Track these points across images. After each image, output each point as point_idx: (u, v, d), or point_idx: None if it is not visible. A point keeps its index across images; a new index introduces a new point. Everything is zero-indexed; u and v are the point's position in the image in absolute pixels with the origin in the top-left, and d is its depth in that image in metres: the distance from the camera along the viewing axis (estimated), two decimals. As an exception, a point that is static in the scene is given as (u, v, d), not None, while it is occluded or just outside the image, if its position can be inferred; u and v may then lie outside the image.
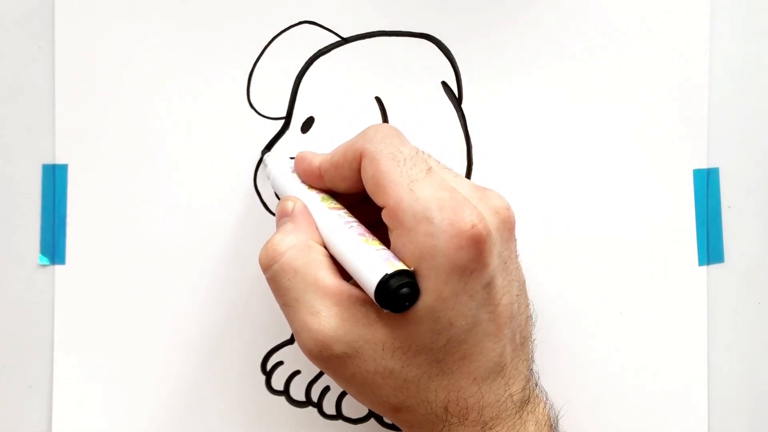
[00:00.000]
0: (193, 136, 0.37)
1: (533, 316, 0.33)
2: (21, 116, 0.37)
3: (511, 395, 0.30)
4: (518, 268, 0.32)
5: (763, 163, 0.40)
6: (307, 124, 0.38)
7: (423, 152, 0.31)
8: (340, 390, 0.37)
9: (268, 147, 0.37)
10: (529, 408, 0.31)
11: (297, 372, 0.37)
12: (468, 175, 0.38)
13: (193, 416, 0.37)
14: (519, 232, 0.38)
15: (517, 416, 0.31)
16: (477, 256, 0.28)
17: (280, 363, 0.37)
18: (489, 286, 0.29)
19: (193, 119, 0.37)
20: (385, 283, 0.27)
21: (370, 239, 0.30)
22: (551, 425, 0.33)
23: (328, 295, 0.29)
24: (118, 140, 0.37)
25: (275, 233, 0.31)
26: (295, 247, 0.30)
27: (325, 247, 0.31)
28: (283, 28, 0.38)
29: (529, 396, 0.31)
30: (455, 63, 0.38)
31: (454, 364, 0.29)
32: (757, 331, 0.40)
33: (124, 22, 0.37)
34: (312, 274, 0.30)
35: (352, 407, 0.37)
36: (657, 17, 0.39)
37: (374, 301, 0.28)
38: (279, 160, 0.36)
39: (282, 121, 0.38)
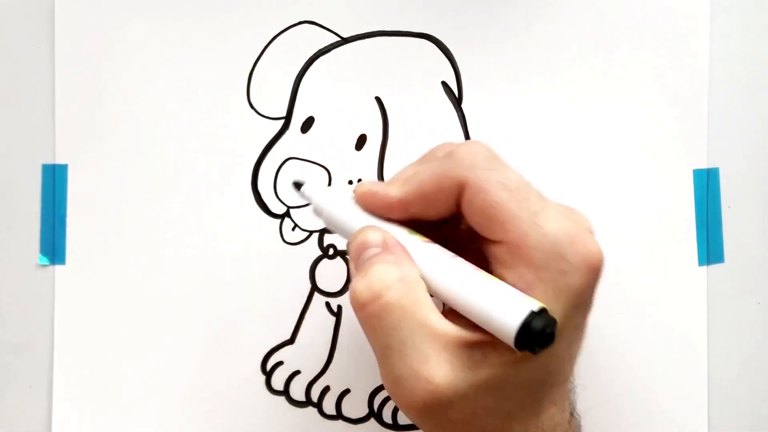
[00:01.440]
0: (193, 136, 0.37)
1: None
2: (21, 116, 0.37)
3: (566, 419, 0.29)
4: None
5: (763, 163, 0.40)
6: (307, 124, 0.38)
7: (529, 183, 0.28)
8: (340, 390, 0.37)
9: (297, 184, 0.32)
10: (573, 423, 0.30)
11: (297, 372, 0.37)
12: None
13: (194, 416, 0.37)
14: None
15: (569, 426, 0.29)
16: (594, 290, 0.27)
17: (280, 363, 0.37)
18: (587, 318, 0.28)
19: (193, 119, 0.37)
20: (529, 323, 0.24)
21: (488, 276, 0.26)
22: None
23: (438, 339, 0.26)
24: (118, 140, 0.37)
25: (374, 264, 0.27)
26: (400, 281, 0.26)
27: None
28: (283, 28, 0.38)
29: (573, 421, 0.30)
30: (455, 63, 0.38)
31: (544, 392, 0.28)
32: (757, 331, 0.40)
33: (124, 23, 0.37)
34: (421, 314, 0.26)
35: (352, 407, 0.37)
36: (657, 17, 0.39)
37: (510, 343, 0.25)
38: (332, 192, 0.32)
39: (282, 121, 0.38)
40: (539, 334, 0.24)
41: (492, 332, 0.25)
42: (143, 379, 0.37)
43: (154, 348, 0.37)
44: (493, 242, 0.27)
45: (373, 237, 0.28)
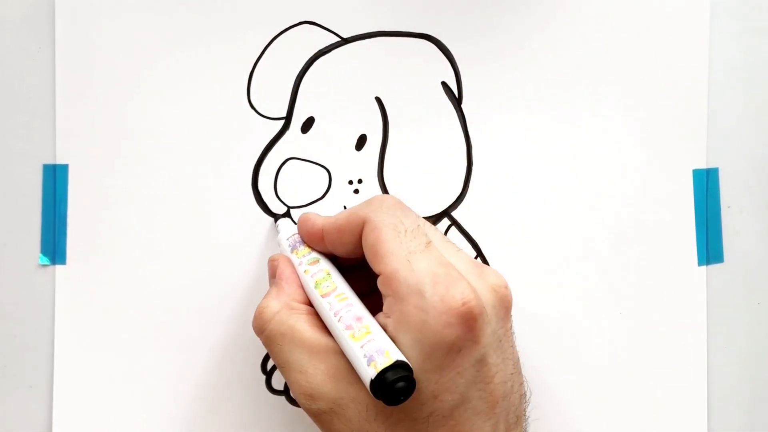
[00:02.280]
0: (193, 136, 0.37)
1: (527, 394, 0.32)
2: (21, 116, 0.37)
3: None
4: (513, 346, 0.31)
5: (763, 163, 0.40)
6: (307, 124, 0.38)
7: (426, 224, 0.32)
8: (340, 390, 0.37)
9: (285, 214, 0.37)
10: None
11: (297, 372, 0.37)
12: (468, 175, 0.38)
13: (194, 416, 0.37)
14: (519, 233, 0.38)
15: None
16: (467, 333, 0.28)
17: (280, 363, 0.37)
18: (480, 363, 0.29)
19: (194, 119, 0.37)
20: (379, 378, 0.27)
21: (360, 328, 0.29)
22: None
23: (314, 353, 0.30)
24: (118, 140, 0.37)
25: (263, 299, 0.33)
26: (279, 312, 0.31)
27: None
28: (283, 28, 0.38)
29: None
30: (455, 63, 0.38)
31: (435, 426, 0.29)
32: (757, 331, 0.40)
33: (124, 23, 0.37)
34: (297, 335, 0.31)
35: (352, 407, 0.37)
36: (657, 17, 0.39)
37: (369, 392, 0.28)
38: (289, 226, 0.36)
39: (282, 121, 0.38)
40: (389, 387, 0.27)
41: (352, 357, 0.29)
42: (143, 379, 0.37)
43: (154, 348, 0.37)
44: (378, 275, 0.30)
45: (270, 263, 0.34)
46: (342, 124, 0.38)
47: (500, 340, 0.30)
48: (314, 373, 0.30)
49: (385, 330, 0.29)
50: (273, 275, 0.34)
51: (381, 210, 0.31)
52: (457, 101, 0.38)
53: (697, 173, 0.39)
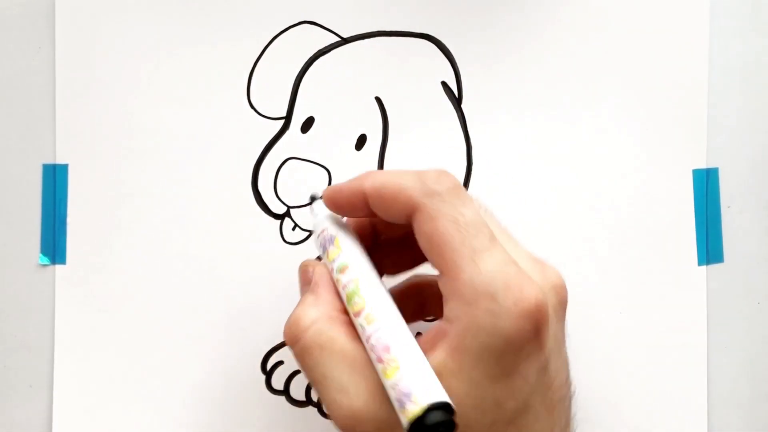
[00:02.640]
0: (193, 136, 0.37)
1: (573, 391, 0.31)
2: (21, 116, 0.37)
3: None
4: (566, 350, 0.30)
5: (763, 163, 0.40)
6: (307, 124, 0.38)
7: (485, 213, 0.29)
8: (340, 390, 0.37)
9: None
10: None
11: (297, 372, 0.37)
12: (468, 175, 0.38)
13: (194, 416, 0.37)
14: (519, 232, 0.38)
15: None
16: (536, 338, 0.26)
17: (280, 363, 0.37)
18: (544, 369, 0.27)
19: (193, 119, 0.37)
20: (415, 427, 0.25)
21: (389, 361, 0.26)
22: None
23: (357, 370, 0.27)
24: (118, 140, 0.37)
25: (297, 306, 0.30)
26: (317, 320, 0.28)
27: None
28: (283, 28, 0.38)
29: None
30: (455, 63, 0.38)
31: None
32: (757, 331, 0.40)
33: (124, 22, 0.37)
34: (338, 348, 0.28)
35: (352, 407, 0.37)
36: (657, 17, 0.39)
37: (408, 422, 0.25)
38: (322, 216, 0.32)
39: (282, 121, 0.38)
40: (429, 428, 0.24)
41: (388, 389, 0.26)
42: (143, 379, 0.37)
43: (154, 348, 0.37)
44: (439, 272, 0.28)
45: (304, 270, 0.31)
46: (342, 124, 0.38)
47: (560, 344, 0.29)
48: (357, 393, 0.27)
49: (445, 337, 0.27)
50: (307, 282, 0.31)
51: (438, 197, 0.28)
52: (457, 101, 0.38)
53: (697, 173, 0.39)
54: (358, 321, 0.28)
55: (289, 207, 0.38)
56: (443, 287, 0.27)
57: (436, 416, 0.24)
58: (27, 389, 0.37)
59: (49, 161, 0.37)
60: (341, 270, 0.30)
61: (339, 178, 0.38)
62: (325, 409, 0.29)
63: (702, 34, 0.39)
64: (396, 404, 0.25)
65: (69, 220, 0.37)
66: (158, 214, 0.37)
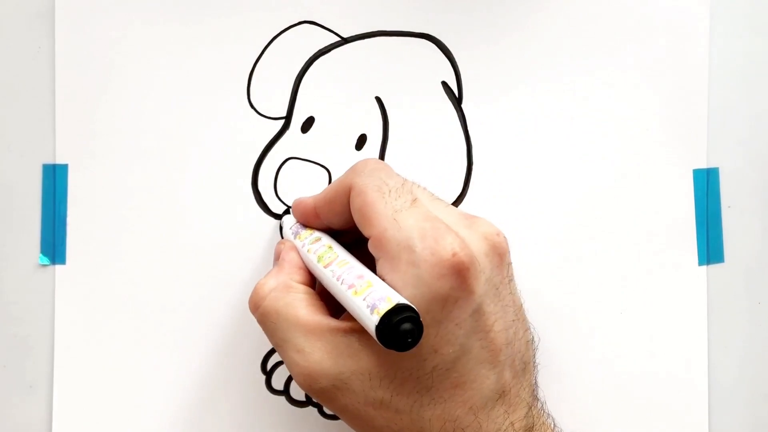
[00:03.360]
0: (193, 136, 0.37)
1: (534, 340, 0.32)
2: (21, 116, 0.37)
3: (512, 423, 0.30)
4: (513, 293, 0.31)
5: (763, 163, 0.40)
6: (307, 124, 0.38)
7: (412, 183, 0.31)
8: (340, 390, 0.37)
9: (285, 212, 0.37)
10: None
11: (297, 372, 0.37)
12: (468, 175, 0.38)
13: (194, 416, 0.37)
14: (520, 232, 0.38)
15: None
16: (460, 284, 0.28)
17: (280, 363, 0.37)
18: (477, 313, 0.29)
19: (193, 119, 0.37)
20: (384, 323, 0.26)
21: (361, 284, 0.29)
22: None
23: (310, 331, 0.30)
24: (118, 140, 0.37)
25: (263, 278, 0.32)
26: (275, 289, 0.31)
27: (312, 285, 0.32)
28: (283, 28, 0.38)
29: (533, 423, 0.31)
30: (455, 63, 0.38)
31: (445, 392, 0.29)
32: (757, 331, 0.40)
33: (124, 23, 0.37)
34: (292, 313, 0.30)
35: (352, 407, 0.37)
36: (657, 17, 0.39)
37: (378, 341, 0.27)
38: (291, 218, 0.36)
39: (282, 121, 0.38)
40: (396, 330, 0.26)
41: (356, 313, 0.28)
42: (143, 379, 0.37)
43: (155, 348, 0.37)
44: (369, 238, 0.30)
45: (276, 249, 0.35)
46: (342, 124, 0.38)
47: (497, 288, 0.30)
48: (311, 352, 0.29)
49: None
50: (277, 258, 0.34)
51: (364, 174, 0.31)
52: (457, 101, 0.38)
53: (697, 173, 0.39)
54: (330, 269, 0.31)
55: (288, 207, 0.38)
56: (372, 249, 0.30)
57: (404, 313, 0.26)
58: (27, 389, 0.37)
59: (49, 161, 0.37)
60: (314, 241, 0.33)
61: (339, 178, 0.38)
62: (290, 373, 0.31)
63: (702, 34, 0.39)
64: (366, 311, 0.27)
65: (69, 220, 0.37)
66: (158, 214, 0.37)
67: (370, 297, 0.28)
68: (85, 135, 0.37)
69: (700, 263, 0.39)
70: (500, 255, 0.30)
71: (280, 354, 0.31)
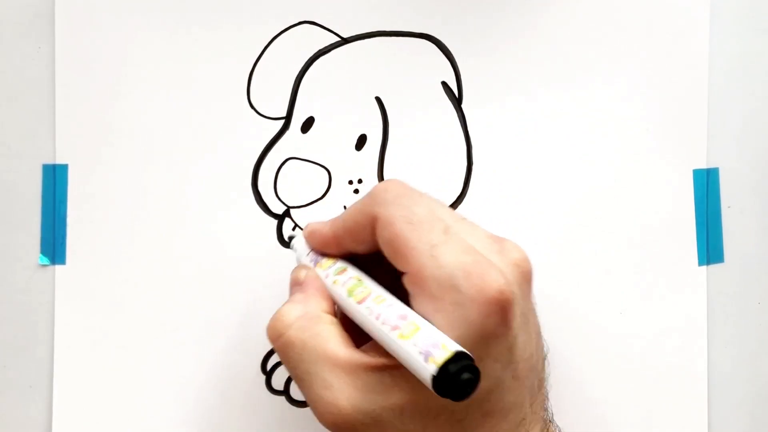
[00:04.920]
0: (193, 136, 0.37)
1: (546, 352, 0.32)
2: (21, 116, 0.37)
3: None
4: (535, 318, 0.30)
5: (763, 163, 0.40)
6: (307, 124, 0.38)
7: (437, 206, 0.30)
8: (340, 390, 0.37)
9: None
10: None
11: (297, 372, 0.37)
12: (468, 175, 0.38)
13: (194, 416, 0.37)
14: (520, 232, 0.38)
15: None
16: (503, 320, 0.27)
17: (280, 363, 0.37)
18: (512, 346, 0.28)
19: (194, 119, 0.37)
20: (442, 373, 0.25)
21: (407, 326, 0.27)
22: None
23: (339, 366, 0.28)
24: (118, 140, 0.37)
25: (284, 304, 0.31)
26: (301, 318, 0.29)
27: (338, 315, 0.31)
28: (283, 28, 0.38)
29: None
30: (455, 63, 0.38)
31: (475, 422, 0.28)
32: (757, 331, 0.40)
33: (124, 22, 0.37)
34: (321, 346, 0.28)
35: (352, 407, 0.37)
36: (657, 17, 0.39)
37: (434, 390, 0.25)
38: (303, 243, 0.34)
39: (282, 121, 0.38)
40: (457, 380, 0.25)
41: (404, 358, 0.26)
42: (143, 379, 0.37)
43: (154, 348, 0.37)
44: (403, 273, 0.28)
45: (300, 275, 0.32)
46: (342, 124, 0.38)
47: (526, 317, 0.29)
48: (341, 388, 0.28)
49: None
50: (297, 284, 0.32)
51: (387, 203, 0.29)
52: (457, 101, 0.38)
53: (697, 173, 0.39)
54: (365, 305, 0.28)
55: (288, 207, 0.38)
56: (409, 286, 0.28)
57: (463, 362, 0.25)
58: (27, 389, 0.37)
59: (49, 161, 0.37)
60: (339, 272, 0.31)
61: (339, 178, 0.38)
62: (311, 408, 0.29)
63: (702, 34, 0.39)
64: (419, 358, 0.25)
65: (69, 220, 0.37)
66: (158, 214, 0.37)
67: (422, 343, 0.26)
68: (85, 135, 0.37)
69: (700, 263, 0.39)
70: (529, 282, 0.30)
71: (300, 386, 0.29)
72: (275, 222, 0.37)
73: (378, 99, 0.38)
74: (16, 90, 0.37)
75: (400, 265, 0.29)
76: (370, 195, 0.30)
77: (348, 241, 0.31)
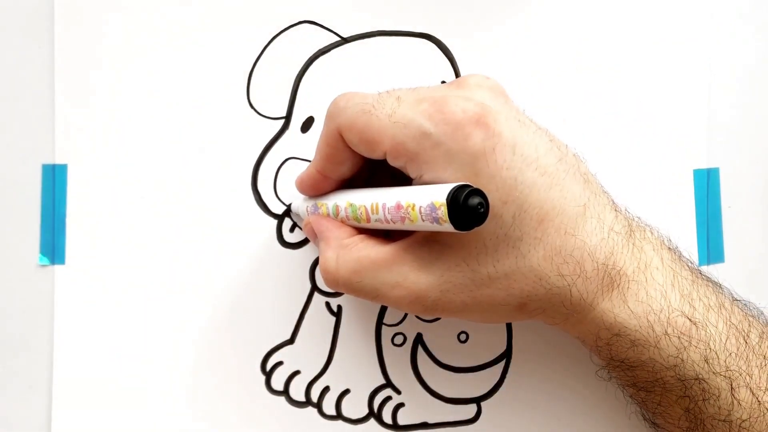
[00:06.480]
0: (193, 136, 0.37)
1: (578, 154, 0.32)
2: (21, 116, 0.37)
3: (611, 228, 0.30)
4: (532, 120, 0.31)
5: (763, 163, 0.40)
6: (307, 124, 0.38)
7: (387, 90, 0.31)
8: (340, 390, 0.37)
9: (285, 213, 0.38)
10: (638, 235, 0.31)
11: (297, 372, 0.37)
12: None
13: (193, 416, 0.37)
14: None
15: (630, 244, 0.30)
16: (486, 132, 0.28)
17: (280, 363, 0.37)
18: (517, 147, 0.28)
19: (194, 119, 0.37)
20: (452, 203, 0.26)
21: (407, 205, 0.28)
22: (669, 247, 0.32)
23: (392, 263, 0.30)
24: (118, 140, 0.37)
25: (320, 259, 0.32)
26: (338, 257, 0.31)
27: (360, 230, 0.32)
28: (283, 28, 0.38)
29: (630, 225, 0.31)
30: (455, 63, 0.38)
31: (535, 231, 0.29)
32: (757, 331, 0.40)
33: (124, 22, 0.37)
34: (366, 261, 0.30)
35: (352, 407, 0.37)
36: (657, 17, 0.39)
37: (457, 230, 0.26)
38: (299, 201, 0.37)
39: (282, 121, 0.38)
40: (467, 207, 0.26)
41: (428, 229, 0.28)
42: (143, 379, 0.37)
43: (154, 348, 0.37)
44: (386, 157, 0.30)
45: (307, 230, 0.35)
46: (342, 124, 0.38)
47: (518, 120, 0.29)
48: (404, 278, 0.30)
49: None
50: (314, 236, 0.34)
51: (342, 110, 0.31)
52: (457, 101, 0.38)
53: (697, 173, 0.39)
54: (374, 221, 0.30)
55: (288, 207, 0.38)
56: (394, 162, 0.30)
57: (464, 190, 0.26)
58: (27, 389, 0.37)
59: (49, 161, 0.37)
60: (335, 209, 0.33)
61: (339, 178, 0.38)
62: (401, 308, 0.31)
63: (702, 35, 0.39)
64: (430, 217, 0.27)
65: (68, 220, 0.37)
66: (157, 214, 0.37)
67: (424, 211, 0.27)
68: (84, 135, 0.37)
69: (700, 263, 0.39)
70: (501, 93, 0.31)
71: (383, 302, 0.31)
72: (275, 222, 0.37)
73: (378, 99, 0.38)
74: (16, 90, 0.37)
75: (378, 152, 0.30)
76: (327, 115, 0.32)
77: (331, 168, 0.33)
